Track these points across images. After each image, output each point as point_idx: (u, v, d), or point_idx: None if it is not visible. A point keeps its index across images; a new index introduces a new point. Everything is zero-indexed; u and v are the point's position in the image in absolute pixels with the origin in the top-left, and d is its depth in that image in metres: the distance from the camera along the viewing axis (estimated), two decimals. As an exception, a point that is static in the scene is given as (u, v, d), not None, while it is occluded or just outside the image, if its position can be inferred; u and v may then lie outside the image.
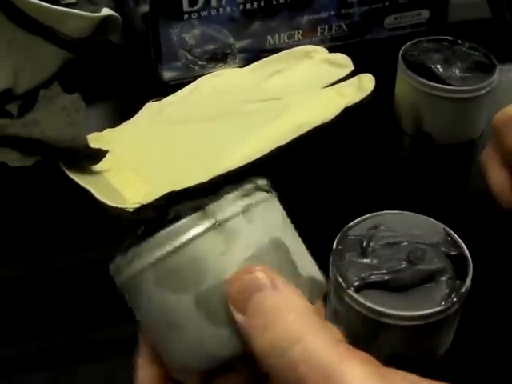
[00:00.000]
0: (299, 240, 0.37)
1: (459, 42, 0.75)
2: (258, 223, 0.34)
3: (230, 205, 0.33)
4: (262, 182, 0.36)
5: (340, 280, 0.48)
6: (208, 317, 0.32)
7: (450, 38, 0.75)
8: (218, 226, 0.33)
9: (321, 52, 0.84)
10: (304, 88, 0.79)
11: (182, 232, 0.32)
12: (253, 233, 0.34)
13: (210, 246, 0.32)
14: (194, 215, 0.33)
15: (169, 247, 0.32)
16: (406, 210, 0.53)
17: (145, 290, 0.33)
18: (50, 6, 0.75)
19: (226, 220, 0.33)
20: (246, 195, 0.34)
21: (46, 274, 0.60)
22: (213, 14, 0.78)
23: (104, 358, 0.43)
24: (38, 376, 0.53)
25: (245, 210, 0.34)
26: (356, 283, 0.48)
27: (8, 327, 0.56)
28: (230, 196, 0.34)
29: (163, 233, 0.33)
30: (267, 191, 0.36)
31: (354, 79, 0.78)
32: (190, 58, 0.80)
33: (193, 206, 0.33)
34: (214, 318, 0.32)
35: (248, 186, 0.35)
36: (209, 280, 0.32)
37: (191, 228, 0.33)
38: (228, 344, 0.33)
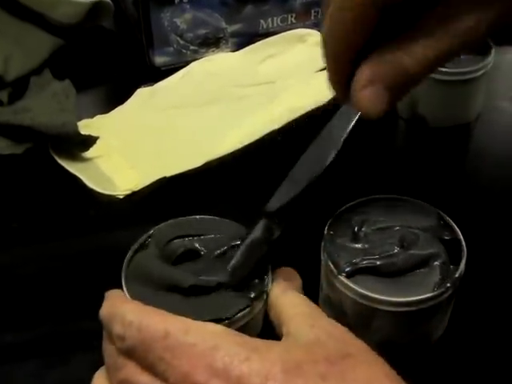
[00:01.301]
0: None
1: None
2: None
3: None
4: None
5: (331, 266, 0.47)
6: None
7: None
8: None
9: (314, 35, 0.83)
10: (297, 72, 0.79)
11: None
12: None
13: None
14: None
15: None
16: (400, 194, 0.52)
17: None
18: (40, -9, 0.75)
19: None
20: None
21: (36, 262, 0.60)
22: (204, -3, 0.77)
23: (96, 347, 0.43)
24: (29, 365, 0.52)
25: None
26: (347, 269, 0.47)
27: (-2, 316, 0.56)
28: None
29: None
30: None
31: (348, 62, 0.78)
32: (181, 42, 0.79)
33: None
34: None
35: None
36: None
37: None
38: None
